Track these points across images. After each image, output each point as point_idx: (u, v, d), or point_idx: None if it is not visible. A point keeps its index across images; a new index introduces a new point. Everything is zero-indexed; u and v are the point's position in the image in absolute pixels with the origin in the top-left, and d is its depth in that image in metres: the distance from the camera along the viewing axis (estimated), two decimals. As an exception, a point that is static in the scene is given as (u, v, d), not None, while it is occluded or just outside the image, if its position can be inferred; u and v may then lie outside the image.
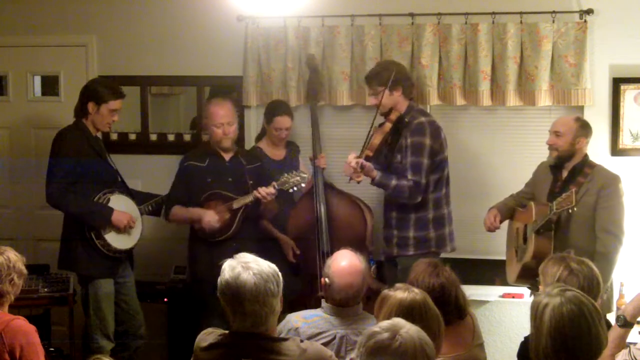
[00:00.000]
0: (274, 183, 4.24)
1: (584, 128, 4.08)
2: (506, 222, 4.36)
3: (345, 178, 4.76)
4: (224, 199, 4.33)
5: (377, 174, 4.13)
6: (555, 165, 4.10)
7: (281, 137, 4.64)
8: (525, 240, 4.06)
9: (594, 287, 2.93)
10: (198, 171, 4.41)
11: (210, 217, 4.28)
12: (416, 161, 4.13)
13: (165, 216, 4.51)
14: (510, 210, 4.30)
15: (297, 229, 4.60)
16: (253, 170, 4.43)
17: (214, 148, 4.44)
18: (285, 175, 4.27)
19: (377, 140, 4.19)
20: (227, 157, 4.44)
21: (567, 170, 4.08)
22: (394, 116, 4.20)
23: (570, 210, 3.75)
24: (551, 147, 4.08)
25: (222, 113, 4.36)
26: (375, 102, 4.25)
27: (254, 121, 5.02)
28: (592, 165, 4.06)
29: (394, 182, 4.12)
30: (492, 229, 4.27)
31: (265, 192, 4.21)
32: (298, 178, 4.23)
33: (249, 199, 4.26)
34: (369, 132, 4.23)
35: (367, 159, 4.13)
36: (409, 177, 4.12)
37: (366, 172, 4.10)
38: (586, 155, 4.09)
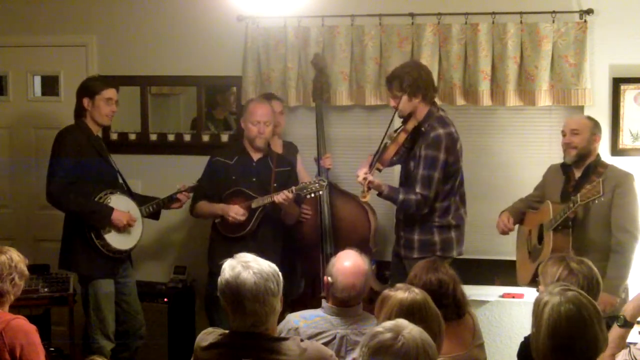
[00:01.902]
0: (292, 188, 4.25)
1: (598, 126, 4.09)
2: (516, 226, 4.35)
3: (347, 179, 4.79)
4: (244, 197, 4.35)
5: (385, 188, 4.05)
6: (570, 165, 4.08)
7: (279, 122, 4.62)
8: (540, 240, 4.05)
9: (593, 286, 2.93)
10: (224, 168, 4.45)
11: (236, 211, 4.31)
12: (427, 175, 4.03)
13: (191, 210, 4.55)
14: (520, 213, 4.28)
15: (301, 229, 4.60)
16: (281, 173, 4.44)
17: (245, 147, 4.46)
18: (305, 181, 4.30)
19: (389, 153, 4.07)
20: (255, 157, 4.45)
21: (580, 170, 4.07)
22: (410, 126, 4.08)
23: (596, 201, 3.72)
24: (568, 146, 4.04)
25: (261, 112, 4.37)
26: (393, 105, 4.13)
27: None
28: (605, 165, 4.05)
29: (401, 197, 4.04)
30: (505, 232, 4.25)
31: (282, 197, 4.22)
32: (317, 185, 4.23)
33: (267, 200, 4.28)
34: (384, 137, 4.13)
35: (379, 171, 4.06)
36: (418, 190, 4.03)
37: (374, 187, 4.02)
38: (598, 155, 4.09)
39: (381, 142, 4.12)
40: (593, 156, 4.06)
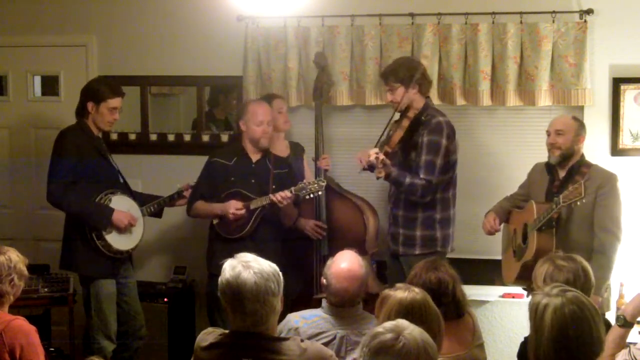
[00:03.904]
0: (292, 188, 4.24)
1: (582, 127, 4.11)
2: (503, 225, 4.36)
3: (347, 179, 4.78)
4: (243, 199, 4.34)
5: (393, 170, 4.09)
6: (554, 165, 4.10)
7: (287, 119, 4.65)
8: (525, 239, 4.06)
9: (580, 278, 2.96)
10: (223, 169, 4.43)
11: (235, 205, 4.30)
12: (430, 160, 4.10)
13: (188, 210, 4.53)
14: (506, 212, 4.30)
15: (297, 229, 4.59)
16: (279, 175, 4.43)
17: (243, 148, 4.45)
18: (304, 181, 4.29)
19: (397, 136, 4.13)
20: (254, 158, 4.44)
21: (564, 170, 4.08)
22: (412, 114, 4.15)
23: (579, 203, 3.73)
24: (553, 147, 4.06)
25: (262, 111, 4.37)
26: (391, 99, 4.20)
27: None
28: (589, 165, 4.07)
29: (408, 180, 4.08)
30: (492, 232, 4.27)
31: (281, 196, 4.21)
32: (316, 186, 4.22)
33: (265, 201, 4.27)
34: (385, 128, 4.20)
35: (386, 154, 4.07)
36: (422, 175, 4.08)
37: (386, 167, 4.03)
38: (582, 155, 4.10)
39: (384, 131, 4.17)
40: (577, 156, 4.07)
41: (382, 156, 3.98)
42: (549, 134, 4.10)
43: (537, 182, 4.21)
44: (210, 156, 4.52)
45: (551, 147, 4.08)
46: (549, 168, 4.15)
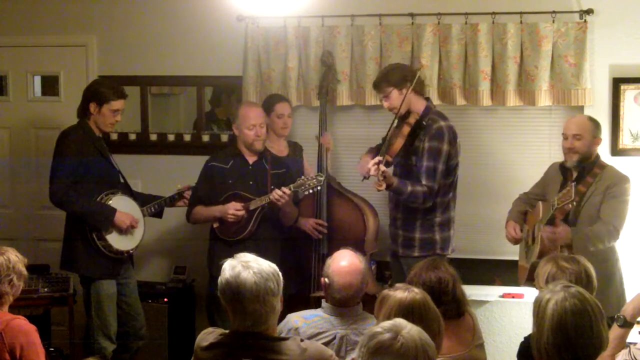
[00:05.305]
0: (290, 185, 4.23)
1: (598, 128, 4.07)
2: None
3: (347, 178, 4.79)
4: (242, 200, 4.33)
5: (395, 181, 4.05)
6: (567, 166, 4.08)
7: (287, 124, 4.64)
8: (534, 240, 4.05)
9: (582, 280, 2.96)
10: (221, 172, 4.42)
11: (234, 206, 4.29)
12: (432, 167, 4.07)
13: (187, 216, 4.52)
14: (523, 214, 4.26)
15: (296, 228, 4.59)
16: (277, 175, 4.42)
17: (240, 150, 4.44)
18: (302, 177, 4.28)
19: (398, 145, 4.09)
20: (251, 160, 4.44)
21: (577, 170, 4.06)
22: (412, 119, 4.11)
23: (570, 205, 3.71)
24: (570, 151, 4.01)
25: (254, 115, 4.36)
26: (387, 105, 4.17)
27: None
28: (603, 166, 4.03)
29: (409, 188, 4.05)
30: (517, 242, 4.22)
31: (279, 194, 4.21)
32: (314, 181, 4.21)
33: (265, 200, 4.26)
34: (386, 135, 4.17)
35: (386, 163, 4.05)
36: (423, 182, 4.06)
37: (387, 178, 3.99)
38: (597, 156, 4.08)
39: (385, 138, 4.15)
40: (592, 157, 4.04)
41: (382, 167, 3.95)
42: (565, 137, 4.05)
43: (551, 182, 4.19)
44: (207, 161, 4.52)
45: (568, 151, 4.03)
46: (563, 169, 4.12)
